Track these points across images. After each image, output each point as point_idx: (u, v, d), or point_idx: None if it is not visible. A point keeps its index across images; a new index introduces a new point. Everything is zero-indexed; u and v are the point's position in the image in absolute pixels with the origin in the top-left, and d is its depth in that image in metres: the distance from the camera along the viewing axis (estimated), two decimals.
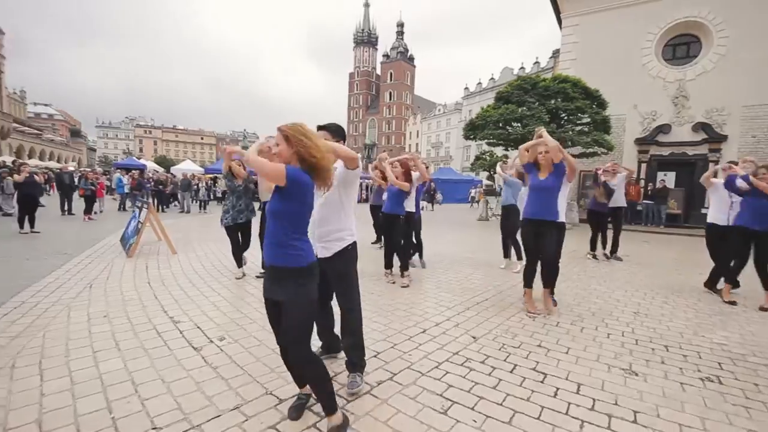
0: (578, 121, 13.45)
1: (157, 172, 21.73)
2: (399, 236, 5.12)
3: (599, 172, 7.27)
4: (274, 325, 1.96)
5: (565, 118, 13.55)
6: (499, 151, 21.04)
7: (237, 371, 2.56)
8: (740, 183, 4.35)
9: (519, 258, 5.76)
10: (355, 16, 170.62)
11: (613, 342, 3.25)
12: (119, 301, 3.97)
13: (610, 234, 7.22)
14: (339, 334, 2.67)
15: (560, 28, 17.33)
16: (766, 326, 3.78)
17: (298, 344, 1.82)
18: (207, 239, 8.23)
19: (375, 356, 2.84)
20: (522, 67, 46.98)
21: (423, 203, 15.08)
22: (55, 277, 4.81)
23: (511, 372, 2.65)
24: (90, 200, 11.94)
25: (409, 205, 5.30)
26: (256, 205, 5.63)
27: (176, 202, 17.31)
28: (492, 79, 52.37)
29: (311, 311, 1.89)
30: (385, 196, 6.18)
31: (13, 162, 9.51)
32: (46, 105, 79.57)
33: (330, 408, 1.89)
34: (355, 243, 2.48)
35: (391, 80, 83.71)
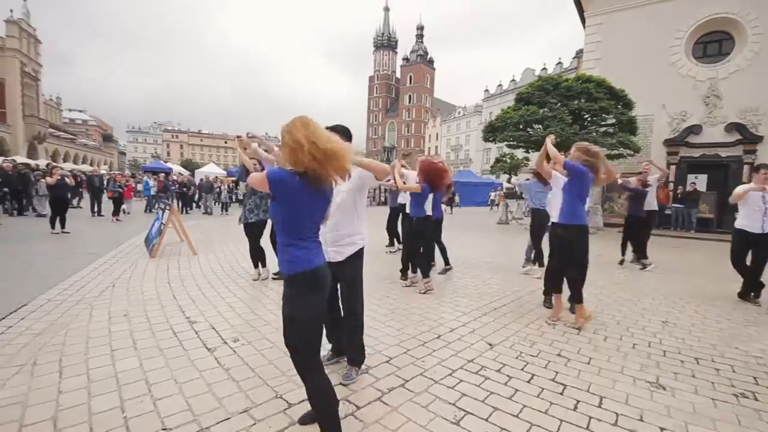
0: (602, 122, 13.04)
1: (182, 174, 22.32)
2: (426, 239, 5.01)
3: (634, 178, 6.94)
4: None
5: (589, 119, 13.16)
6: (519, 153, 20.65)
7: (248, 373, 2.55)
8: None
9: (540, 264, 5.60)
10: (375, 21, 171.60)
11: (639, 353, 3.09)
12: (139, 301, 4.05)
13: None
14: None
15: (584, 27, 16.90)
16: None
17: (294, 359, 1.73)
18: (227, 240, 8.37)
19: (387, 362, 2.78)
20: (544, 68, 46.10)
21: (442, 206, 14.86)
22: (81, 276, 4.97)
23: (528, 382, 2.55)
24: (118, 202, 12.35)
25: (427, 208, 5.19)
26: None
27: (200, 204, 17.74)
28: (513, 80, 51.67)
29: (309, 327, 1.70)
30: (401, 198, 6.15)
31: (47, 165, 9.95)
32: (80, 111, 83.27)
33: None
34: (363, 246, 2.50)
35: (410, 83, 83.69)
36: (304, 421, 2.00)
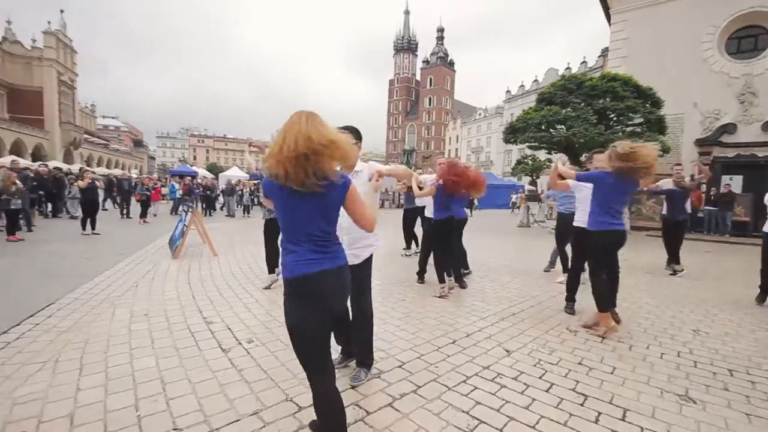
0: (629, 122, 12.61)
1: (206, 177, 22.92)
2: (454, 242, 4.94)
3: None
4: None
5: (615, 118, 12.76)
6: (542, 154, 20.17)
7: (261, 375, 2.55)
8: None
9: (564, 270, 5.43)
10: (395, 25, 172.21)
11: (667, 363, 2.92)
12: (160, 301, 4.15)
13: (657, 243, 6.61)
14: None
15: (609, 24, 16.42)
16: None
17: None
18: (248, 242, 8.50)
19: (399, 367, 2.73)
20: (568, 68, 45.03)
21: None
22: (107, 275, 5.13)
23: (546, 391, 2.44)
24: (145, 205, 12.79)
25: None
26: None
27: (224, 207, 18.15)
28: (536, 80, 50.74)
29: (295, 337, 1.62)
30: (419, 201, 6.07)
31: (80, 169, 10.41)
32: (113, 118, 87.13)
33: None
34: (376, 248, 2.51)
35: (430, 85, 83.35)
36: (313, 427, 1.97)
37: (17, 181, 8.29)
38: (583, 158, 12.33)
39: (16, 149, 34.66)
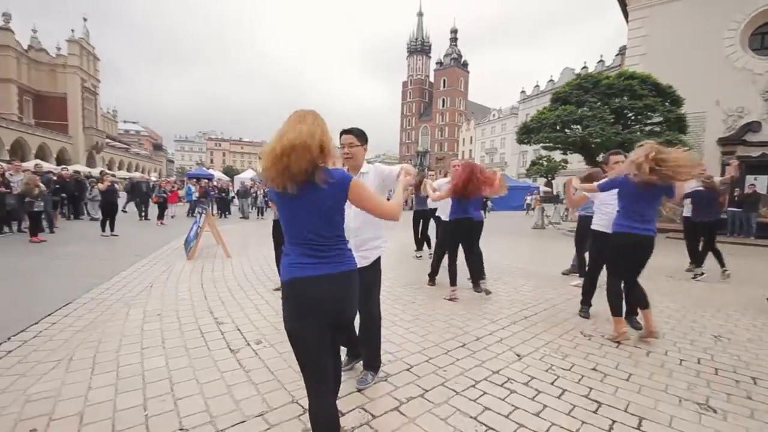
0: (648, 121, 12.28)
1: (221, 180, 23.29)
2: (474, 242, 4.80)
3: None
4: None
5: (632, 117, 12.44)
6: (557, 155, 19.83)
7: (267, 376, 2.55)
8: None
9: (581, 275, 5.30)
10: (408, 28, 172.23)
11: (686, 370, 2.81)
12: (173, 301, 4.21)
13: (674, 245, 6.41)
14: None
15: (627, 21, 16.06)
16: None
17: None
18: (261, 244, 8.60)
19: (407, 370, 2.70)
20: (584, 67, 44.17)
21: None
22: (123, 276, 5.24)
23: (558, 398, 2.37)
24: (162, 207, 13.08)
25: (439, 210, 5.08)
26: None
27: (238, 208, 18.43)
28: (551, 80, 49.93)
29: (293, 343, 1.55)
30: (430, 203, 6.02)
31: (100, 172, 10.73)
32: (134, 122, 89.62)
33: None
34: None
35: (444, 87, 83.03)
36: None
37: (40, 184, 8.57)
38: (600, 158, 12.07)
39: (41, 153, 35.97)
